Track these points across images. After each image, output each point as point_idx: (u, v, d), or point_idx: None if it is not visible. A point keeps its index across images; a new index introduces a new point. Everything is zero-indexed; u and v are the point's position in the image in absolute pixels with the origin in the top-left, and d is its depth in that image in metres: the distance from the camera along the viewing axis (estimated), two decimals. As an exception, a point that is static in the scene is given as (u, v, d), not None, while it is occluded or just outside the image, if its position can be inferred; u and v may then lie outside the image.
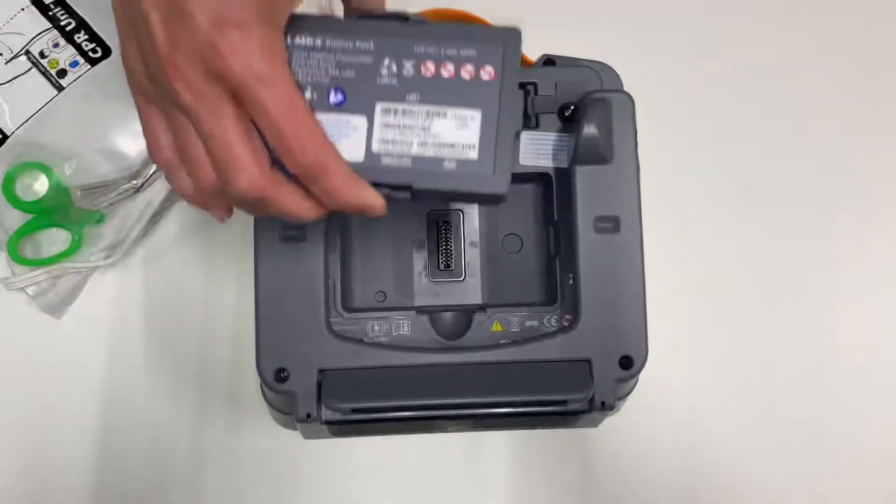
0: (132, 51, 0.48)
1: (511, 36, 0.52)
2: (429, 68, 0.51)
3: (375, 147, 0.50)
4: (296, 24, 0.50)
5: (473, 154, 0.51)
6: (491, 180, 0.51)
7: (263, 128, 0.46)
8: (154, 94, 0.48)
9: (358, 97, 0.50)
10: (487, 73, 0.51)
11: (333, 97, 0.50)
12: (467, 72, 0.51)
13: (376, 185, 0.50)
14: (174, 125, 0.48)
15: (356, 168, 0.49)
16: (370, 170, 0.50)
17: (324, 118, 0.49)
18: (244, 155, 0.46)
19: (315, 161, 0.47)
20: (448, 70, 0.51)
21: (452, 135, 0.51)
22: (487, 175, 0.51)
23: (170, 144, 0.49)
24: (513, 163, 0.52)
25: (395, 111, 0.51)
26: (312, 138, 0.47)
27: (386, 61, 0.51)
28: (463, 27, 0.54)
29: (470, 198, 0.54)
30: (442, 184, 0.51)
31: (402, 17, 0.52)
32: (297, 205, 0.48)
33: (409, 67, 0.51)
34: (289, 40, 0.50)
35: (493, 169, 0.51)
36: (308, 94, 0.50)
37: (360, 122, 0.51)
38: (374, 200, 0.49)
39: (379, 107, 0.51)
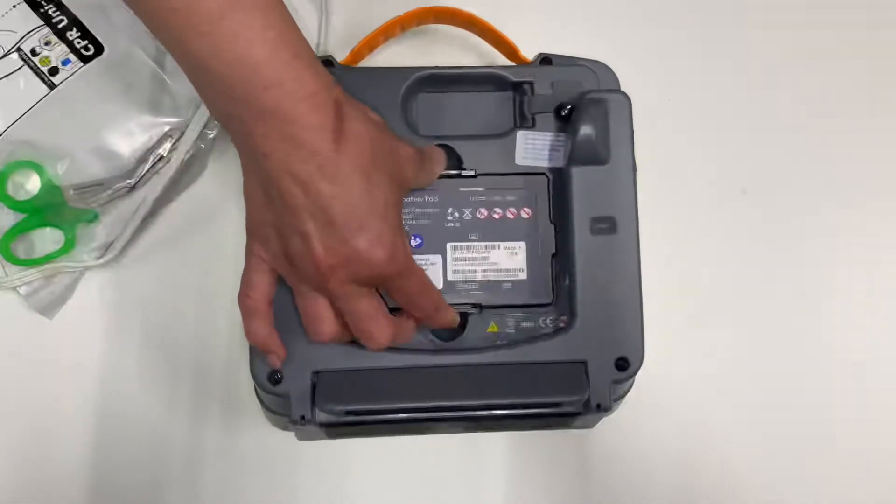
0: (273, 236, 0.57)
1: (539, 184, 0.65)
2: (482, 212, 0.65)
3: (450, 276, 0.64)
4: None
5: (523, 275, 0.65)
6: (538, 294, 0.65)
7: (400, 300, 0.59)
8: (289, 273, 0.58)
9: (432, 240, 0.65)
10: (526, 212, 0.65)
11: (414, 242, 0.64)
12: (511, 213, 0.65)
13: (453, 304, 0.62)
14: (302, 295, 0.59)
15: None
16: (448, 294, 0.63)
17: None
18: (382, 322, 0.58)
19: (433, 309, 0.61)
20: (497, 213, 0.65)
21: (506, 262, 0.65)
22: (535, 290, 0.65)
23: (269, 299, 0.59)
24: (551, 278, 0.65)
25: (462, 247, 0.65)
26: (434, 298, 0.61)
27: (450, 210, 0.65)
28: (504, 178, 0.65)
29: (524, 306, 0.65)
30: (503, 300, 0.64)
31: (457, 175, 0.65)
32: (406, 336, 0.62)
33: (467, 213, 0.65)
34: None
35: (539, 285, 0.65)
36: None
37: (436, 259, 0.64)
38: (456, 321, 0.63)
39: (449, 246, 0.64)
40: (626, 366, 0.62)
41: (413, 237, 0.64)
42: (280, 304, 0.60)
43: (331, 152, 0.54)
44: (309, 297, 0.58)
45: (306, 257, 0.55)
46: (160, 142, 0.71)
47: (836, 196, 0.75)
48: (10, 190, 0.70)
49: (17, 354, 0.70)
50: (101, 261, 0.70)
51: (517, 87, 0.66)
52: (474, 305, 0.64)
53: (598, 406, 0.62)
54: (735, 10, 0.77)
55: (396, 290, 0.59)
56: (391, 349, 0.62)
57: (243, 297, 0.59)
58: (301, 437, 0.67)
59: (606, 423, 0.69)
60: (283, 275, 0.59)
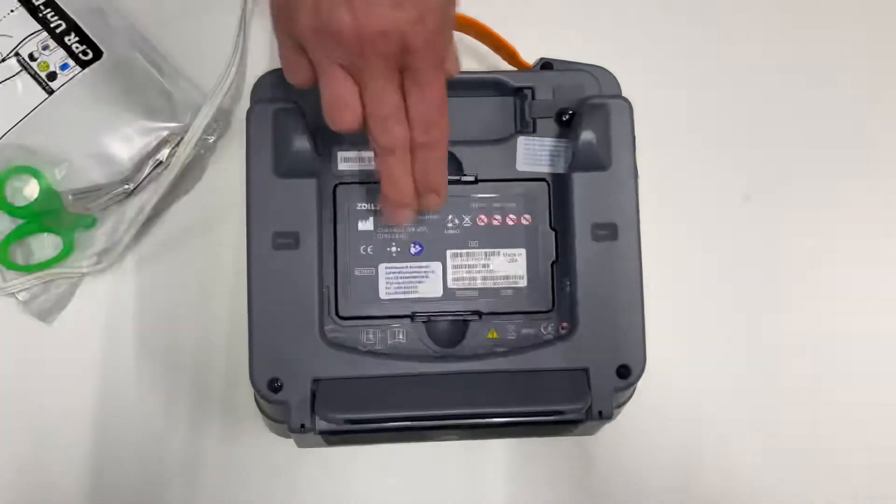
0: (308, 7, 0.54)
1: (539, 190, 0.65)
2: (482, 219, 0.65)
3: (450, 283, 0.64)
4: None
5: (523, 282, 0.64)
6: (538, 301, 0.64)
7: (414, 78, 0.56)
8: (320, 49, 0.55)
9: (432, 247, 0.64)
10: (526, 219, 0.65)
11: (413, 249, 0.64)
12: (511, 219, 0.65)
13: (452, 311, 0.64)
14: (330, 76, 0.56)
15: (436, 302, 0.64)
16: (448, 302, 0.64)
17: (408, 266, 0.64)
18: (402, 115, 0.56)
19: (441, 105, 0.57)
20: (497, 219, 0.64)
21: (506, 268, 0.64)
22: (535, 297, 0.64)
23: (309, 75, 0.57)
24: (551, 285, 0.64)
25: (461, 254, 0.64)
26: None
27: (449, 216, 0.64)
28: (505, 184, 0.65)
29: (525, 313, 0.64)
30: (503, 307, 0.64)
31: (457, 180, 0.64)
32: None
33: (467, 220, 0.65)
34: (373, 206, 0.64)
35: (539, 292, 0.64)
36: (393, 249, 0.64)
37: (436, 266, 0.64)
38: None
39: (449, 253, 0.64)
40: (627, 373, 0.62)
41: (413, 244, 0.64)
42: (276, 301, 0.60)
43: None
44: (337, 77, 0.55)
45: (345, 30, 0.53)
46: (159, 147, 0.71)
47: (839, 201, 0.75)
48: (9, 195, 0.69)
49: (15, 360, 0.70)
50: (99, 266, 0.70)
51: (518, 92, 0.66)
52: (474, 312, 0.64)
53: (600, 414, 0.61)
54: (736, 14, 0.77)
55: (418, 67, 0.56)
56: (391, 357, 0.62)
57: (291, 72, 0.58)
58: (301, 445, 0.67)
59: (607, 429, 0.68)
60: (314, 51, 0.56)
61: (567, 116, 0.65)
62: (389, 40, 0.53)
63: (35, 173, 0.69)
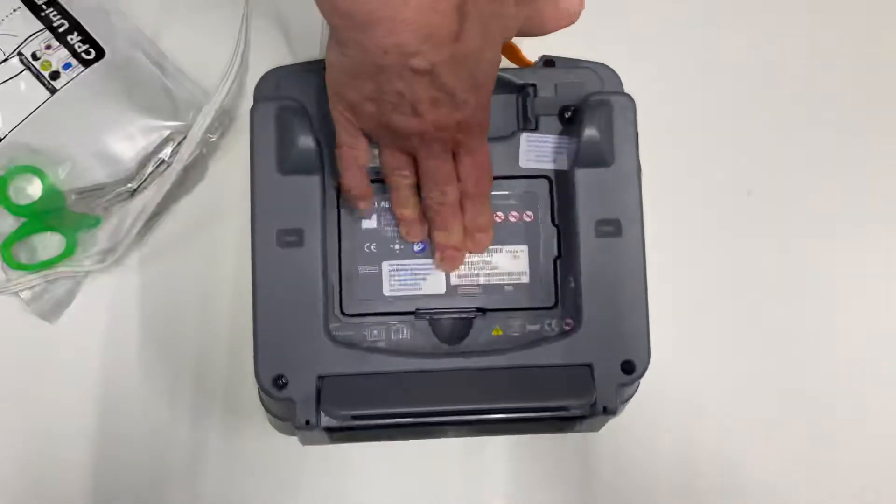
0: (370, 108, 0.57)
1: (541, 187, 0.65)
2: None
3: (453, 280, 0.64)
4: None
5: (525, 279, 0.64)
6: (541, 297, 0.64)
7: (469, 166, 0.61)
8: (382, 136, 0.60)
9: None
10: (528, 216, 0.65)
11: (416, 246, 0.64)
12: (513, 216, 0.64)
13: (455, 308, 0.64)
14: (393, 153, 0.61)
15: (440, 299, 0.64)
16: (451, 298, 0.64)
17: (411, 263, 0.64)
18: (456, 185, 0.61)
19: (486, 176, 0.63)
20: (499, 216, 0.64)
21: (508, 265, 0.64)
22: (537, 294, 0.64)
23: (365, 157, 0.61)
24: (554, 281, 0.64)
25: None
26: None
27: None
28: (507, 181, 0.64)
29: (527, 309, 0.64)
30: (505, 304, 0.64)
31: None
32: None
33: None
34: (377, 204, 0.64)
35: (541, 288, 0.64)
36: (396, 246, 0.64)
37: None
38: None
39: None
40: (632, 369, 0.62)
41: (417, 241, 0.64)
42: (281, 298, 0.61)
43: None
44: (396, 154, 0.60)
45: (411, 122, 0.57)
46: (161, 146, 0.71)
47: (842, 197, 0.75)
48: (12, 194, 0.69)
49: (19, 359, 0.70)
50: (102, 265, 0.70)
51: (520, 89, 0.66)
52: (478, 309, 0.64)
53: (605, 409, 0.61)
54: (739, 10, 0.77)
55: (468, 140, 0.60)
56: (396, 354, 0.62)
57: (345, 149, 0.61)
58: (304, 442, 0.67)
59: (610, 426, 0.68)
60: (376, 136, 0.60)
61: (570, 113, 0.65)
62: (449, 131, 0.58)
63: (38, 172, 0.69)
